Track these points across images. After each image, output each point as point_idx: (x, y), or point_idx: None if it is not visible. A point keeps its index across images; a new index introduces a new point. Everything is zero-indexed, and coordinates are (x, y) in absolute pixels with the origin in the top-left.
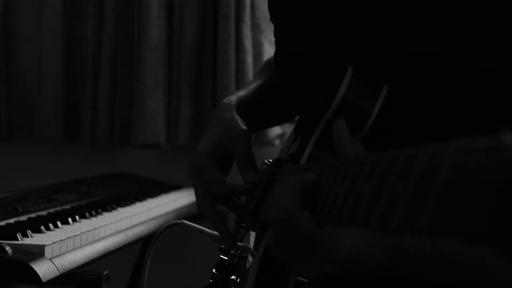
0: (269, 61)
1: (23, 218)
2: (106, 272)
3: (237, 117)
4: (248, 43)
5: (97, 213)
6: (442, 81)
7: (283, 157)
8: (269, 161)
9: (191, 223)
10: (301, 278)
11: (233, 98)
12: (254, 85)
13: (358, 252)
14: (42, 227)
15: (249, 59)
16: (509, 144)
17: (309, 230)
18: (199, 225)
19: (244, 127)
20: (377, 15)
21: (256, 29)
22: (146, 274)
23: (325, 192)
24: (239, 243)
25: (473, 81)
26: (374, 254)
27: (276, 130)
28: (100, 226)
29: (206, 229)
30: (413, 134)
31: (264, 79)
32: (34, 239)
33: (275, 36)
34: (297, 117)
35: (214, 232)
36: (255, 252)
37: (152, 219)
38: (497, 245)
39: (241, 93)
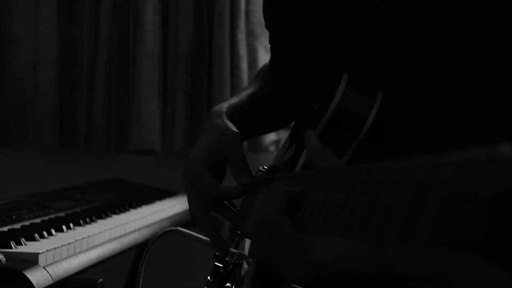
0: (264, 67)
1: (17, 226)
2: (100, 280)
3: (228, 122)
4: (243, 49)
5: (92, 221)
6: (437, 88)
7: (278, 164)
8: (264, 168)
9: (186, 230)
10: (296, 286)
11: (224, 105)
12: (248, 92)
13: (332, 256)
14: (36, 235)
15: (244, 65)
16: (506, 155)
17: (289, 235)
18: (194, 232)
19: (236, 130)
20: (374, 22)
21: (251, 35)
22: (140, 281)
23: (309, 201)
24: (234, 250)
25: (471, 90)
26: (350, 261)
27: (271, 137)
28: (95, 234)
29: (201, 236)
30: (408, 142)
31: (259, 86)
32: (28, 247)
33: (270, 43)
34: (293, 123)
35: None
36: (250, 259)
37: (146, 226)
38: (492, 258)
39: (233, 100)
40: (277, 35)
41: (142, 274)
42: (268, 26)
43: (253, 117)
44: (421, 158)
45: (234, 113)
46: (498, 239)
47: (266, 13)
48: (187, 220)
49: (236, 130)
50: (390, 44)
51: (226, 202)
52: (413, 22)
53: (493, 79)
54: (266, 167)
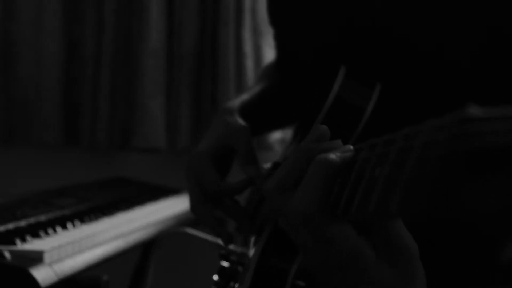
0: (270, 65)
1: (22, 223)
2: (105, 277)
3: (239, 118)
4: (248, 47)
5: (97, 218)
6: (434, 79)
7: (280, 160)
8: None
9: (196, 232)
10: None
11: (236, 102)
12: (258, 88)
13: None
14: (41, 233)
15: (249, 63)
16: (474, 115)
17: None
18: (203, 233)
19: (244, 124)
20: (375, 15)
21: (256, 33)
22: (149, 282)
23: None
24: (238, 248)
25: (467, 81)
26: None
27: (276, 135)
28: (100, 231)
29: (210, 237)
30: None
31: (268, 83)
32: (33, 245)
33: (274, 40)
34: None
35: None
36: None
37: (151, 224)
38: (466, 217)
39: (245, 97)
40: (281, 31)
41: (150, 274)
42: (272, 22)
43: (263, 114)
44: (401, 131)
45: (245, 111)
46: (470, 199)
47: (270, 8)
48: (192, 218)
49: (245, 124)
50: (390, 36)
51: (226, 199)
52: (408, 13)
53: (488, 71)
54: (272, 163)
